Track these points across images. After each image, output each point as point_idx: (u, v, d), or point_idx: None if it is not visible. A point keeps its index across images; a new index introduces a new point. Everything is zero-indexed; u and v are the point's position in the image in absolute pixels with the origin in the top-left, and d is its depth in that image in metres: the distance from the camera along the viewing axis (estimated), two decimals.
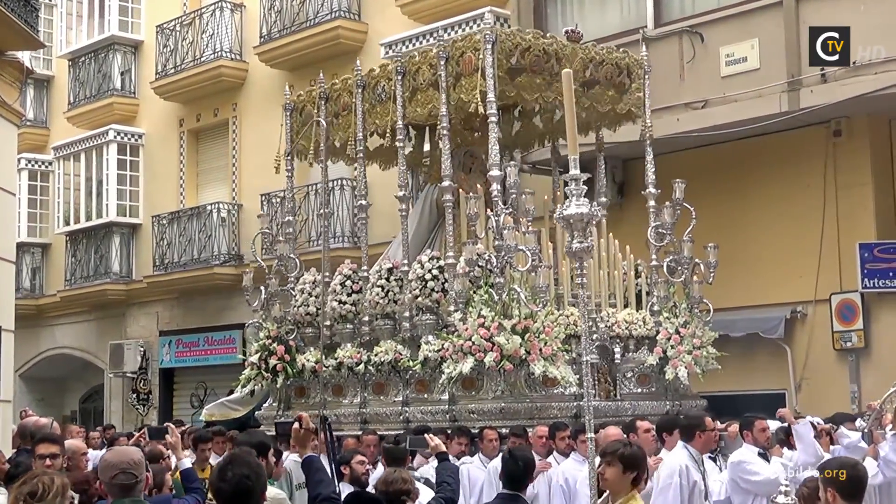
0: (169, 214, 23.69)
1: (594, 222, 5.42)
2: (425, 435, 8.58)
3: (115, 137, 24.84)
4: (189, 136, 24.34)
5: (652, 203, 13.24)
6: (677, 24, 16.02)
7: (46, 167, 27.38)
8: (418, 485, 7.15)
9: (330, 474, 6.58)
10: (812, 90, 14.71)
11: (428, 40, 17.52)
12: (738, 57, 15.40)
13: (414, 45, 17.85)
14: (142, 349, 24.01)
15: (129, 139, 25.13)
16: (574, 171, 5.62)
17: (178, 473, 8.49)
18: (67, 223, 25.83)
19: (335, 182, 19.10)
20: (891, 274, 14.86)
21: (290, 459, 9.18)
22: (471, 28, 16.87)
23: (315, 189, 19.78)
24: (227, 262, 22.43)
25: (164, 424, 9.65)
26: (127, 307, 25.17)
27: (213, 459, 11.32)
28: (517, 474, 7.24)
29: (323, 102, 14.35)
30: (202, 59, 23.12)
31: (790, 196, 15.55)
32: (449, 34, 16.87)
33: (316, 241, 19.62)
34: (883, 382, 14.42)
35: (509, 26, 15.30)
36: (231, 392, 17.78)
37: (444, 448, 8.21)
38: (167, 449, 9.19)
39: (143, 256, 24.66)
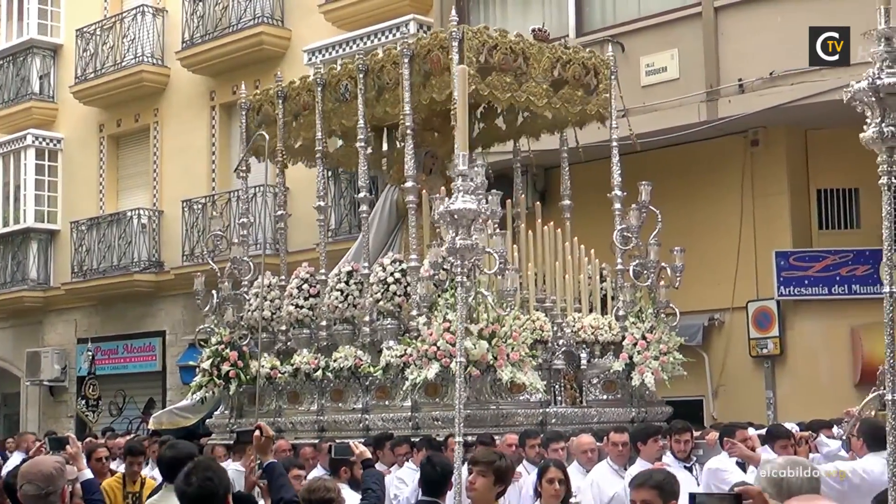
0: (88, 220, 23.40)
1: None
2: (350, 442, 8.51)
3: (33, 142, 24.50)
4: (109, 142, 24.07)
5: (617, 206, 12.82)
6: (598, 34, 16.14)
7: None
8: (345, 491, 7.14)
9: None
10: (730, 100, 14.93)
11: (351, 47, 17.49)
12: (658, 67, 15.56)
13: (337, 51, 17.81)
14: (90, 353, 23.02)
15: (48, 144, 24.80)
16: (462, 167, 5.42)
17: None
18: None
19: (257, 188, 18.87)
20: (806, 282, 15.11)
21: (232, 468, 9.03)
22: (394, 35, 16.89)
23: (237, 195, 19.64)
24: (148, 269, 22.20)
25: (65, 434, 9.36)
26: (44, 314, 24.79)
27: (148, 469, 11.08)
28: (435, 480, 7.17)
29: (281, 101, 14.02)
30: (123, 64, 22.88)
31: (708, 204, 15.70)
32: (373, 41, 16.90)
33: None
34: (798, 389, 14.74)
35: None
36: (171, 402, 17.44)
37: (368, 455, 8.18)
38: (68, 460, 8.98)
39: (61, 263, 24.32)
